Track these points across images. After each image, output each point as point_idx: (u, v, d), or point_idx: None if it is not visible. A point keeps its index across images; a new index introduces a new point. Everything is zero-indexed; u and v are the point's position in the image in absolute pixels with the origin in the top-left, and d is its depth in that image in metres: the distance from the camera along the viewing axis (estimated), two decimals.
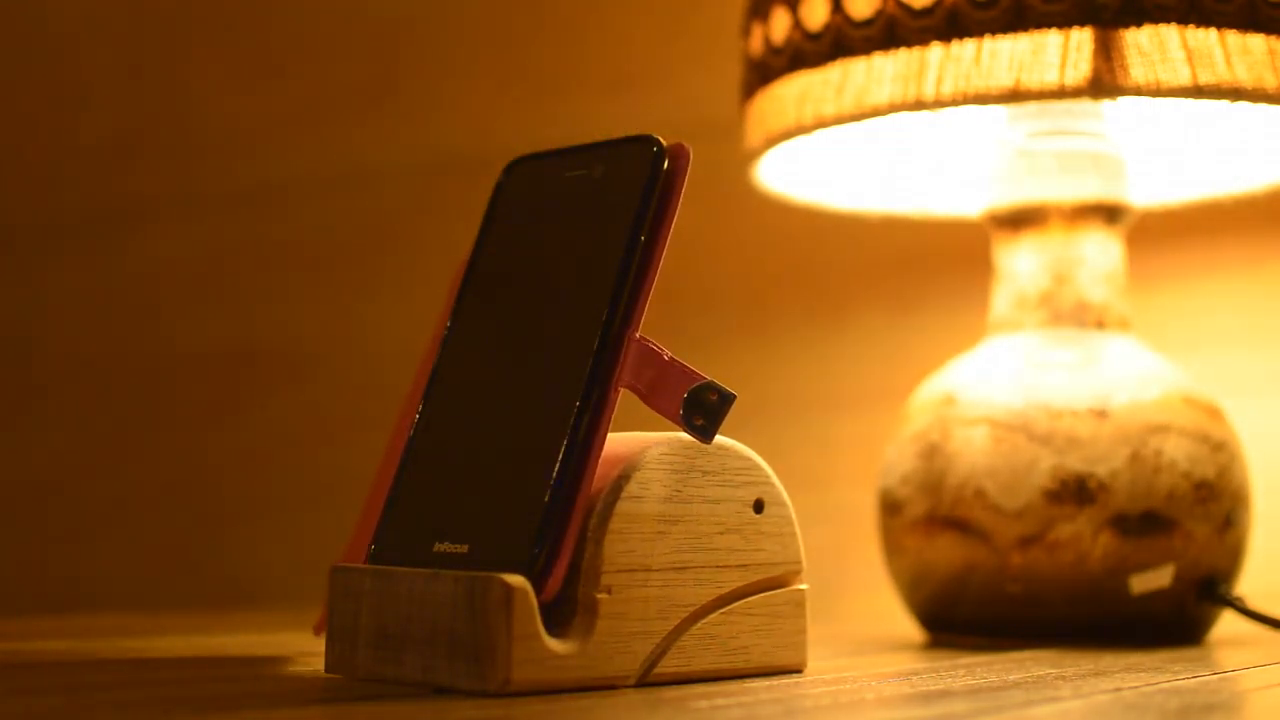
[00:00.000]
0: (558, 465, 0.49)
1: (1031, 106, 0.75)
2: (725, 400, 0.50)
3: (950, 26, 0.69)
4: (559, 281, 0.52)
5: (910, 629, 0.77)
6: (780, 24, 0.74)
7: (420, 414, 0.54)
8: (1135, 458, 0.70)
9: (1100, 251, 0.75)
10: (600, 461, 0.49)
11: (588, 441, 0.49)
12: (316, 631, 0.62)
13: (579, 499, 0.49)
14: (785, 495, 0.54)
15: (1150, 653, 0.65)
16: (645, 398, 0.50)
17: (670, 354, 0.50)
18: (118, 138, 1.34)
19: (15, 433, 1.37)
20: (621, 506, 0.50)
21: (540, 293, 0.53)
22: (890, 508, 0.74)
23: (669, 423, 0.50)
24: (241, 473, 1.25)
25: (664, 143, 0.52)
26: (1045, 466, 0.70)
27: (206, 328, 1.28)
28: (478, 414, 0.52)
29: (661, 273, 0.51)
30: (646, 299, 0.50)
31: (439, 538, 0.50)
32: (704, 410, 0.50)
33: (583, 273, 0.51)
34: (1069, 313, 0.74)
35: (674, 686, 0.50)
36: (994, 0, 0.68)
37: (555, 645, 0.48)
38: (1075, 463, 0.70)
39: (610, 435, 0.50)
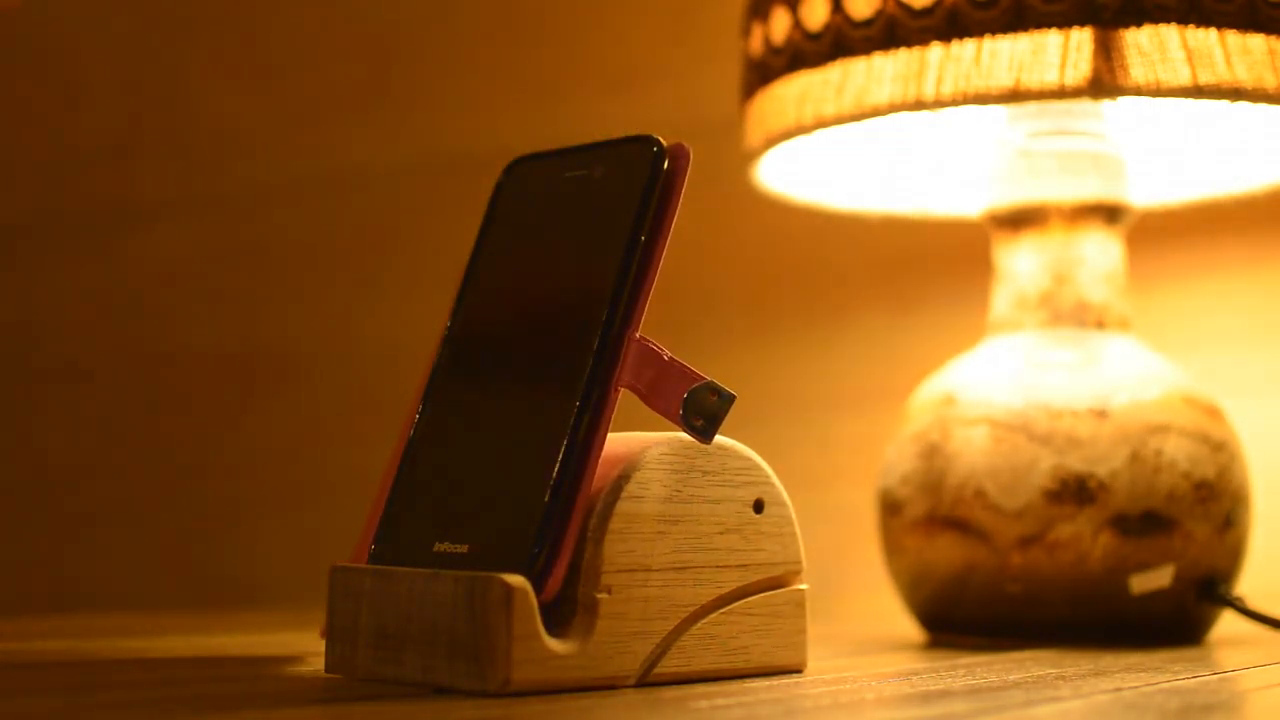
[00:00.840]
0: (558, 465, 0.49)
1: (1031, 106, 0.75)
2: (725, 400, 0.50)
3: (950, 26, 0.69)
4: (559, 281, 0.52)
5: (910, 629, 0.77)
6: (780, 24, 0.74)
7: (420, 414, 0.54)
8: (1135, 458, 0.70)
9: (1100, 251, 0.75)
10: (600, 461, 0.49)
11: (588, 441, 0.49)
12: (323, 634, 0.62)
13: (579, 499, 0.49)
14: (785, 495, 0.54)
15: (1150, 653, 0.65)
16: (645, 398, 0.50)
17: (670, 354, 0.50)
18: (118, 138, 1.34)
19: (15, 433, 1.37)
20: (621, 506, 0.50)
21: (540, 293, 0.53)
22: (890, 508, 0.74)
23: (669, 423, 0.50)
24: (241, 473, 1.25)
25: (664, 143, 0.52)
26: (1045, 466, 0.70)
27: (206, 328, 1.28)
28: (478, 414, 0.52)
29: (661, 273, 0.51)
30: (646, 299, 0.50)
31: (439, 538, 0.50)
32: (704, 411, 0.50)
33: (582, 273, 0.51)
34: (1069, 313, 0.74)
35: (674, 686, 0.50)
36: (994, 0, 0.68)
37: (555, 645, 0.48)
38: (1075, 463, 0.70)
39: (610, 435, 0.50)
